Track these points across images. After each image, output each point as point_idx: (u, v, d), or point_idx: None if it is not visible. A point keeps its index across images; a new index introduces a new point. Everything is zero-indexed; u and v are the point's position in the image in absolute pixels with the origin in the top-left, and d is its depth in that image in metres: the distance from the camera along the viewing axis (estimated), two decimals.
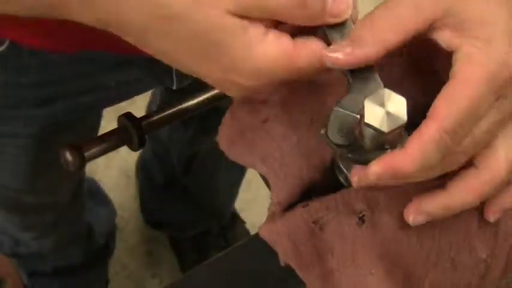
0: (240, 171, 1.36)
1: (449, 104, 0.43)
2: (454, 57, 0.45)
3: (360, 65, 0.45)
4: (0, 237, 1.23)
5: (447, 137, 0.43)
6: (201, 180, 1.37)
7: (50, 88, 0.73)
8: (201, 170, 1.33)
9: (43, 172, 0.90)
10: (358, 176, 0.46)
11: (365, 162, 0.46)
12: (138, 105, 1.33)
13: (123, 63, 0.72)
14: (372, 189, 0.50)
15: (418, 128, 0.44)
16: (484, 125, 0.45)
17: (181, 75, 0.75)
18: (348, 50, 0.44)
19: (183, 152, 1.30)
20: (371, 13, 0.45)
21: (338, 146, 0.45)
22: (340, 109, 0.45)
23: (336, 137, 0.45)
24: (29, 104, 0.74)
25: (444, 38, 0.45)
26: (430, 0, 0.45)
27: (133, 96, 0.84)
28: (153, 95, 1.28)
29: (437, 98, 0.44)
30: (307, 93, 0.55)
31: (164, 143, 1.32)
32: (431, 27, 0.45)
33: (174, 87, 0.76)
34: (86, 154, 0.65)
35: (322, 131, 0.46)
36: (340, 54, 0.44)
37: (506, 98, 0.45)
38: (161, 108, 0.69)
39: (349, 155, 0.46)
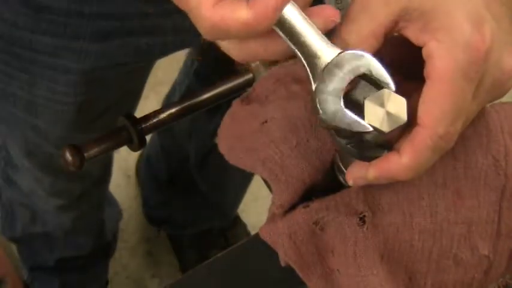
0: (249, 173, 1.36)
1: (434, 108, 0.43)
2: (423, 54, 0.44)
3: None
4: (19, 209, 1.22)
5: (441, 140, 0.44)
6: (213, 177, 1.36)
7: (110, 22, 0.72)
8: (216, 166, 1.32)
9: (86, 121, 0.89)
10: (353, 178, 0.48)
11: (365, 157, 0.46)
12: (139, 105, 1.33)
13: None
14: (372, 189, 0.50)
15: (410, 137, 0.44)
16: (473, 107, 0.45)
17: None
18: None
19: (201, 146, 1.29)
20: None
21: (340, 135, 0.45)
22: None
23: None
24: (87, 37, 0.73)
25: (411, 34, 0.45)
26: None
27: (187, 47, 0.83)
28: (173, 87, 1.28)
29: (420, 103, 0.44)
30: (305, 95, 0.55)
31: (181, 138, 1.31)
32: (400, 24, 0.45)
33: None
34: (86, 154, 0.65)
35: None
36: None
37: (485, 74, 0.44)
38: (161, 108, 0.69)
39: (348, 146, 0.46)
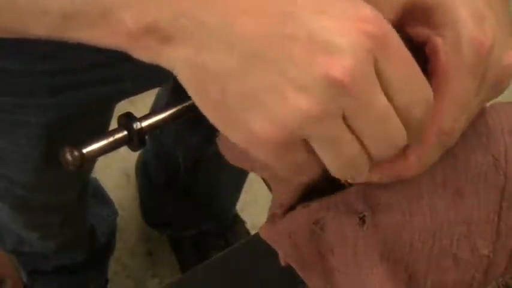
0: (243, 173, 1.36)
1: (440, 104, 0.43)
2: (427, 50, 0.44)
3: None
4: (5, 234, 1.22)
5: (446, 137, 0.44)
6: (205, 182, 1.36)
7: (63, 77, 0.72)
8: (206, 172, 1.33)
9: (53, 166, 0.89)
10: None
11: None
12: (138, 105, 1.33)
13: None
14: (372, 189, 0.50)
15: None
16: (475, 104, 0.45)
17: None
18: None
19: (188, 156, 1.29)
20: None
21: None
22: None
23: None
24: (42, 93, 0.73)
25: (414, 30, 0.45)
26: None
27: (146, 90, 0.83)
28: (157, 97, 1.28)
29: None
30: None
31: (168, 147, 1.32)
32: (403, 20, 0.44)
33: None
34: (86, 154, 0.65)
35: None
36: None
37: (487, 70, 0.44)
38: (162, 108, 0.69)
39: None
